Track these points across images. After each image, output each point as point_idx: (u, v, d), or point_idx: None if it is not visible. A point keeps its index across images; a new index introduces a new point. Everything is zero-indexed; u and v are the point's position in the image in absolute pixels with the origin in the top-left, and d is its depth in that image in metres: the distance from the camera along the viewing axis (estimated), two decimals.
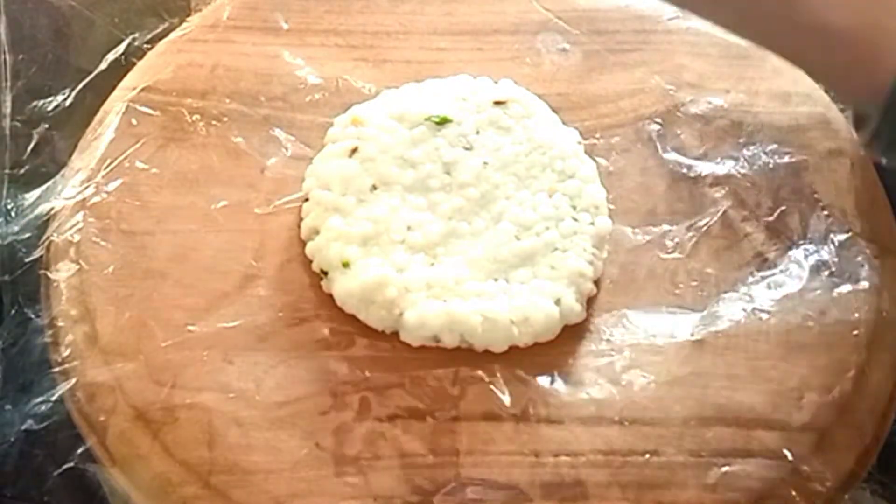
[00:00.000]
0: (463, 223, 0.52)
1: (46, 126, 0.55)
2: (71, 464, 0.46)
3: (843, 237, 0.53)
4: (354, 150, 0.54)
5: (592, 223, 0.53)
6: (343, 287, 0.51)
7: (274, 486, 0.45)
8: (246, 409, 0.47)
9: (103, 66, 0.57)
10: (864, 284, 0.52)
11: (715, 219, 0.54)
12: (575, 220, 0.53)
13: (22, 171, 0.53)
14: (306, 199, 0.53)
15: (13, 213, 0.52)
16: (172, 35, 0.59)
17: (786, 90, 0.58)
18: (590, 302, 0.51)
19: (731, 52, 0.59)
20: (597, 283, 0.52)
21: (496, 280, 0.51)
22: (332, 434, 0.47)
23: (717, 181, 0.55)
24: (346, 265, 0.51)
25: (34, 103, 0.54)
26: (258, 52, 0.58)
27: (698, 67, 0.58)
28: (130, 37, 0.58)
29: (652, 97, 0.57)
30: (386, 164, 0.53)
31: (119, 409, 0.46)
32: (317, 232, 0.52)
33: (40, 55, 0.58)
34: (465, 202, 0.53)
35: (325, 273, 0.51)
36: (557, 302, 0.50)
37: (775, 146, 0.56)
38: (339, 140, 0.55)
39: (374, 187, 0.53)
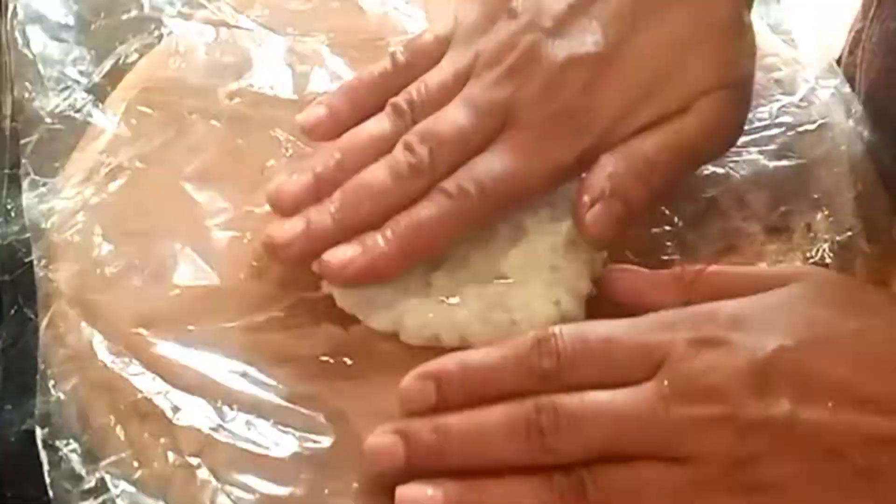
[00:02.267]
0: None
1: (47, 126, 0.54)
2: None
3: (842, 237, 0.53)
4: None
5: None
6: (342, 287, 0.50)
7: (271, 471, 0.44)
8: (251, 394, 0.47)
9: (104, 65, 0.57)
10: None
11: (715, 220, 0.54)
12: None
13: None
14: None
15: (13, 213, 0.52)
16: (173, 35, 0.59)
17: (785, 92, 0.58)
18: (590, 301, 0.51)
19: None
20: (596, 282, 0.51)
21: (496, 280, 0.51)
22: (334, 427, 0.46)
23: (718, 182, 0.55)
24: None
25: (34, 103, 0.54)
26: (259, 52, 0.58)
27: None
28: (130, 36, 0.58)
29: None
30: None
31: (121, 392, 0.46)
32: None
33: None
34: None
35: None
36: (557, 303, 0.50)
37: (774, 147, 0.57)
38: None
39: None
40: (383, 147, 0.50)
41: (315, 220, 0.48)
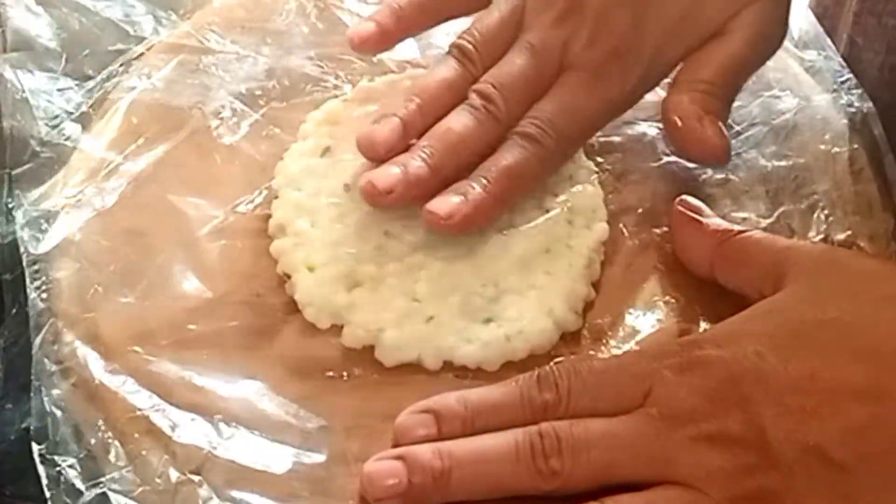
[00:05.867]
0: None
1: (46, 126, 0.55)
2: None
3: (841, 237, 0.53)
4: (327, 150, 0.53)
5: (588, 226, 0.52)
6: (305, 291, 0.50)
7: (269, 488, 0.45)
8: (248, 410, 0.47)
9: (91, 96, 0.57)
10: None
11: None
12: (569, 222, 0.52)
13: (22, 171, 0.53)
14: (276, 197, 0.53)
15: (13, 213, 0.52)
16: (172, 34, 0.59)
17: (784, 93, 0.58)
18: (588, 305, 0.51)
19: None
20: (595, 285, 0.51)
21: (484, 286, 0.50)
22: (330, 441, 0.46)
23: (717, 183, 0.55)
24: (310, 269, 0.50)
25: (35, 103, 0.54)
26: (258, 51, 0.58)
27: None
28: (131, 36, 0.58)
29: (650, 101, 0.57)
30: (361, 163, 0.52)
31: (119, 409, 0.46)
32: (283, 231, 0.51)
33: None
34: None
35: (289, 276, 0.50)
36: (550, 312, 0.49)
37: (774, 148, 0.57)
38: (310, 137, 0.54)
39: (348, 187, 0.52)
40: (456, 91, 0.53)
41: (411, 167, 0.50)
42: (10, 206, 0.52)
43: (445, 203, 0.50)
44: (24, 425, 0.47)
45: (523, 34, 0.54)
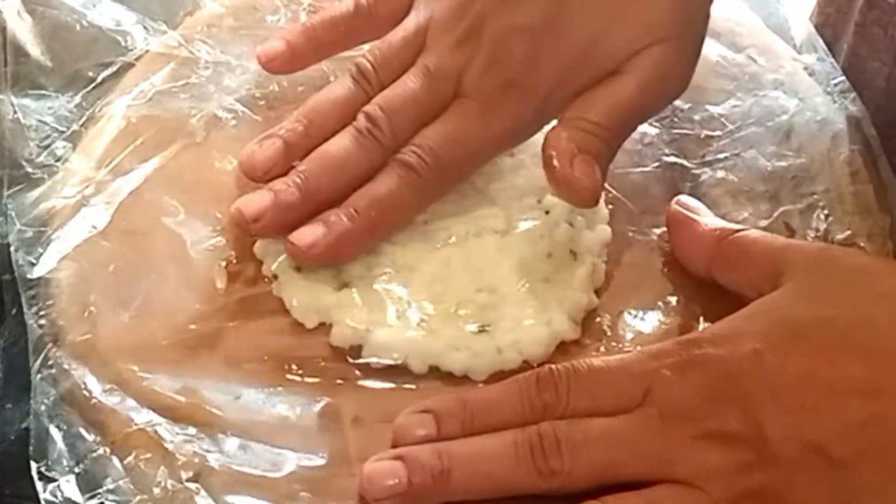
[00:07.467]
0: (442, 229, 0.51)
1: (47, 126, 0.55)
2: None
3: (842, 236, 0.53)
4: None
5: (590, 227, 0.52)
6: (291, 292, 0.50)
7: (268, 491, 0.45)
8: (244, 415, 0.47)
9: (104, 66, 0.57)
10: None
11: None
12: (570, 224, 0.52)
13: (22, 171, 0.53)
14: None
15: (13, 213, 0.51)
16: (171, 34, 0.59)
17: (783, 94, 0.58)
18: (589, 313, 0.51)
19: (730, 61, 0.59)
20: (596, 292, 0.51)
21: (479, 292, 0.49)
22: (329, 443, 0.46)
23: (717, 183, 0.55)
24: (298, 270, 0.50)
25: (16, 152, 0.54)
26: (252, 57, 0.58)
27: (697, 74, 0.58)
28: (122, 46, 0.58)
29: None
30: None
31: (116, 424, 0.46)
32: None
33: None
34: (445, 206, 0.51)
35: (276, 276, 0.50)
36: (549, 323, 0.49)
37: (773, 149, 0.57)
38: None
39: None
40: (347, 112, 0.51)
41: (282, 194, 0.49)
42: (9, 206, 0.52)
43: (307, 233, 0.48)
44: (23, 425, 0.47)
45: (422, 56, 0.52)
